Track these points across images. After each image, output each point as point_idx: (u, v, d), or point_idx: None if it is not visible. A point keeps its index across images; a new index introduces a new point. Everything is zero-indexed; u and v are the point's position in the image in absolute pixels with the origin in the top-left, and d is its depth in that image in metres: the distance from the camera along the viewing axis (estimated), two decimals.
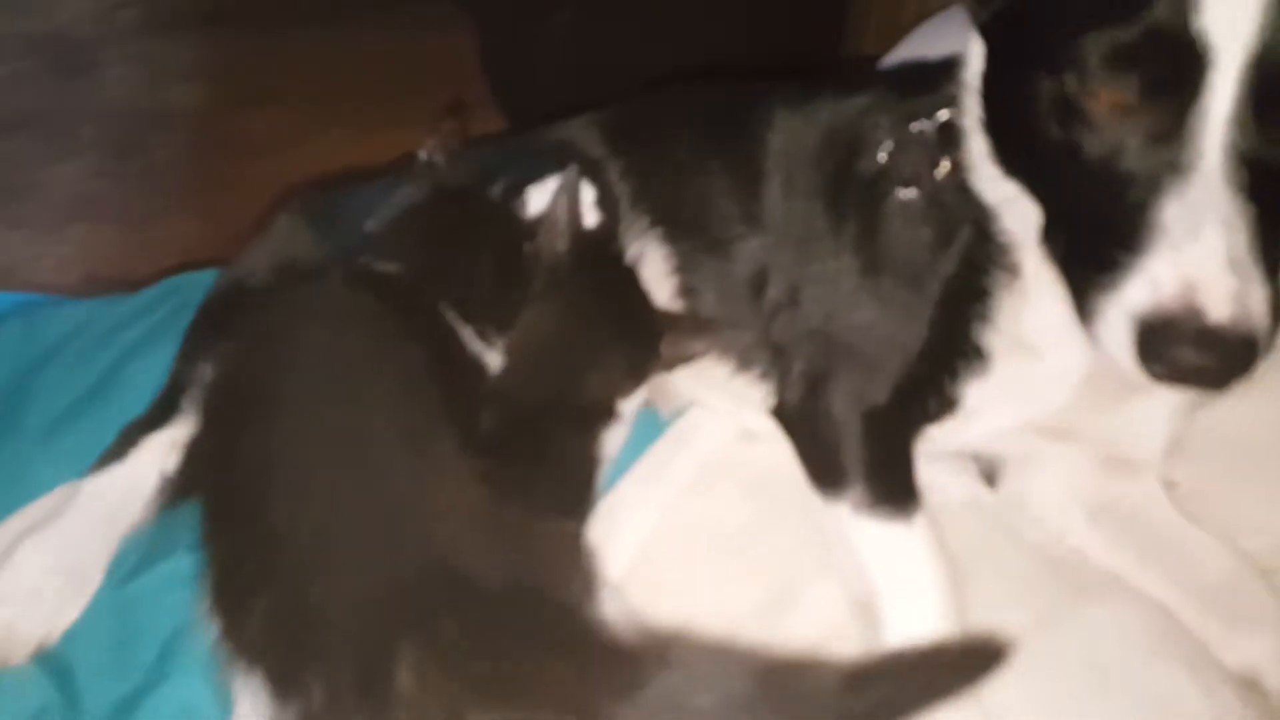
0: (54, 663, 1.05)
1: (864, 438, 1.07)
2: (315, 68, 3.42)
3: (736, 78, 1.38)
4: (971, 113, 1.03)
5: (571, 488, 1.08)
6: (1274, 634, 1.02)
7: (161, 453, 1.17)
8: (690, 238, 1.25)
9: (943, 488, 1.13)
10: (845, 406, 1.08)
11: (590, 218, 1.22)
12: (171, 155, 3.02)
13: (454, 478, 0.93)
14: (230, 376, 0.97)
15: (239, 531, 0.90)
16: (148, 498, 1.16)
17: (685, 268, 1.23)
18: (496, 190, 1.24)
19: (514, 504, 0.94)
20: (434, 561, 0.84)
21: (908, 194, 1.08)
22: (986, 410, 1.10)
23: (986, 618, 1.01)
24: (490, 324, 1.13)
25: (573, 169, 1.19)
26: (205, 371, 1.11)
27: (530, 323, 1.14)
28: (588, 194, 1.22)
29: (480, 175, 1.26)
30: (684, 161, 1.27)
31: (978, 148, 1.02)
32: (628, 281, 1.21)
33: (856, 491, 1.05)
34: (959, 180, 1.05)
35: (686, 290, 1.24)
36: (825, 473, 1.09)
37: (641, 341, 1.17)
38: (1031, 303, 1.04)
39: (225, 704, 0.98)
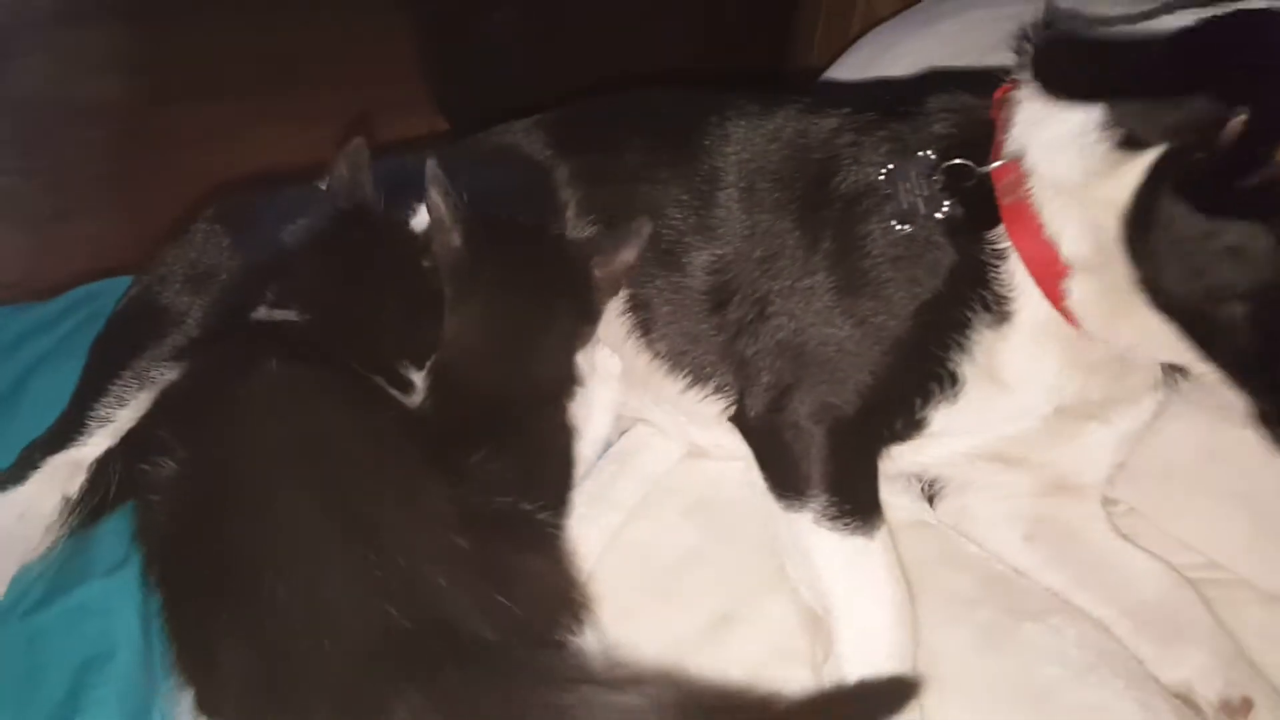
0: None
1: (830, 449, 1.05)
2: (241, 62, 3.35)
3: (685, 85, 1.36)
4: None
5: (553, 467, 1.09)
6: (1207, 650, 1.03)
7: (63, 476, 1.15)
8: None
9: (886, 507, 1.12)
10: (812, 417, 1.06)
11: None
12: (85, 152, 2.90)
13: (442, 528, 0.93)
14: (194, 471, 0.95)
15: (213, 601, 0.89)
16: (48, 522, 1.14)
17: (635, 280, 1.20)
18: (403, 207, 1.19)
19: (502, 544, 0.95)
20: (430, 613, 0.86)
21: (903, 229, 1.05)
22: (948, 435, 1.09)
23: (928, 635, 1.02)
24: (407, 357, 1.11)
25: (431, 161, 1.13)
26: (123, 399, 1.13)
27: (458, 330, 1.11)
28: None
29: (396, 187, 1.20)
30: (634, 169, 1.24)
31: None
32: (536, 240, 1.17)
33: (820, 502, 1.04)
34: (959, 223, 1.03)
35: (637, 303, 1.21)
36: (788, 482, 1.07)
37: (574, 289, 1.15)
38: (1012, 345, 1.03)
39: None
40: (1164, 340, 0.94)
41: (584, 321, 1.15)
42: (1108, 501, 1.17)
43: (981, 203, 1.02)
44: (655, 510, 1.20)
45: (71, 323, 1.40)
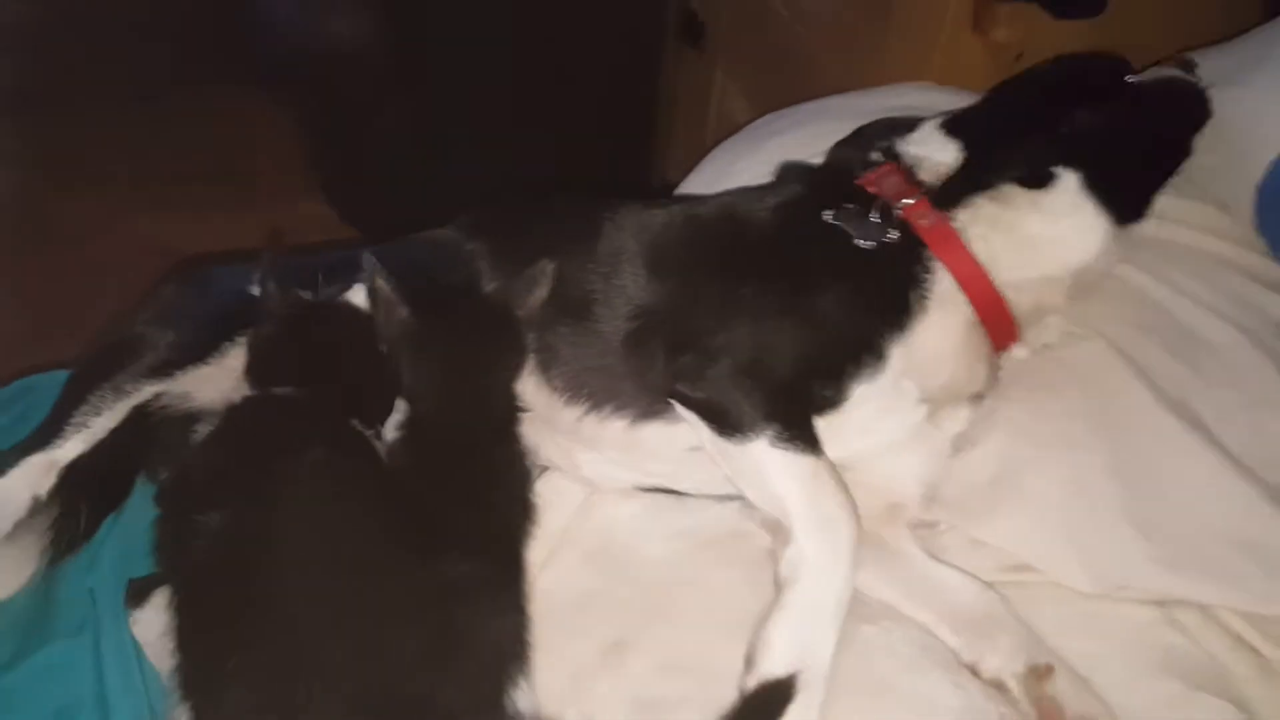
0: None
1: (769, 392, 1.25)
2: (132, 152, 3.41)
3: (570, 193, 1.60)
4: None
5: (518, 497, 1.31)
6: (1011, 636, 1.25)
7: (37, 474, 1.29)
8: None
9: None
10: (750, 374, 1.26)
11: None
12: None
13: (420, 603, 1.14)
14: (235, 529, 1.15)
15: (229, 636, 1.08)
16: (20, 513, 1.27)
17: (542, 327, 1.40)
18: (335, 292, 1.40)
19: (467, 609, 1.16)
20: (403, 676, 1.08)
21: (867, 244, 1.34)
22: (844, 436, 1.32)
23: None
24: (373, 417, 1.31)
25: (368, 256, 1.34)
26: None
27: (420, 386, 1.32)
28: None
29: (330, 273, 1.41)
30: (540, 244, 1.45)
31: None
32: (466, 298, 1.40)
33: (772, 429, 1.23)
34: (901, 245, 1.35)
35: (539, 347, 1.40)
36: (736, 424, 1.25)
37: (505, 330, 1.36)
38: (928, 327, 1.33)
39: None
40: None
41: (517, 355, 1.37)
42: (927, 524, 1.38)
43: (906, 229, 1.35)
44: (558, 559, 1.38)
45: (19, 409, 1.51)
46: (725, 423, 1.26)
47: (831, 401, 1.31)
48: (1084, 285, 1.45)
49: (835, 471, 1.24)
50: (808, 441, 1.24)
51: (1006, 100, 1.51)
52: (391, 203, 3.04)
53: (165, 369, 1.33)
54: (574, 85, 3.06)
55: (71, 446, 1.30)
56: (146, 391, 1.32)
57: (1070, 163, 1.38)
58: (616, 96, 3.23)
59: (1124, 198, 1.41)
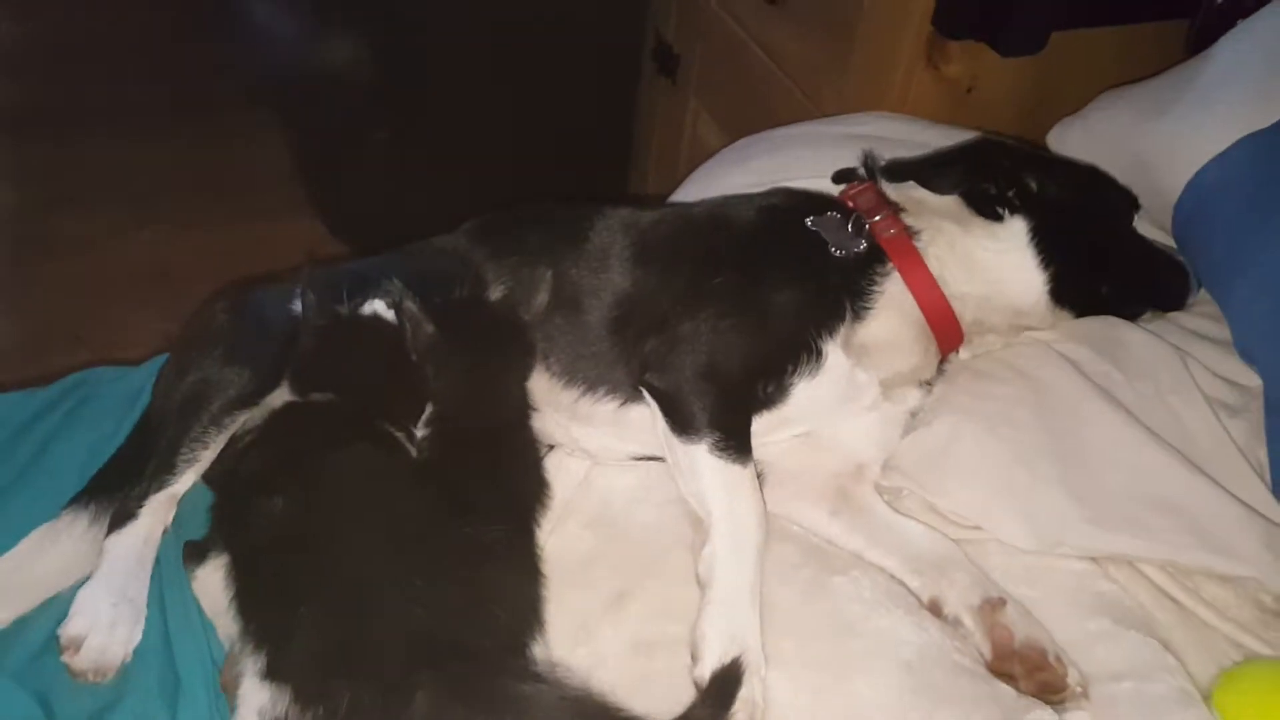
0: (34, 687, 1.27)
1: (719, 402, 1.44)
2: (124, 170, 3.49)
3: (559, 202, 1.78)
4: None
5: (534, 476, 1.49)
6: (966, 575, 1.41)
7: (164, 510, 1.44)
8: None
9: None
10: (707, 378, 1.45)
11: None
12: None
13: (455, 560, 1.30)
14: (295, 510, 1.32)
15: (294, 597, 1.23)
16: (156, 546, 1.42)
17: (541, 320, 1.57)
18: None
19: (496, 567, 1.32)
20: (445, 622, 1.22)
21: (839, 253, 1.55)
22: (795, 420, 1.52)
23: (767, 591, 1.37)
24: (404, 418, 1.48)
25: (394, 277, 1.53)
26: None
27: (446, 391, 1.49)
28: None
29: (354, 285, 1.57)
30: (535, 247, 1.65)
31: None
32: (480, 308, 1.56)
33: (713, 438, 1.43)
34: (867, 254, 1.56)
35: (544, 337, 1.57)
36: (688, 425, 1.44)
37: (515, 335, 1.54)
38: (880, 323, 1.54)
39: (174, 713, 1.24)
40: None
41: (528, 357, 1.55)
42: (891, 491, 1.56)
43: (873, 241, 1.57)
44: (562, 527, 1.52)
45: (70, 403, 1.66)
46: (677, 420, 1.46)
47: (773, 400, 1.51)
48: (1020, 326, 1.68)
49: (755, 481, 1.44)
50: (741, 451, 1.44)
51: (978, 147, 1.76)
52: (377, 218, 3.19)
53: (251, 399, 1.48)
54: (553, 112, 3.23)
55: (186, 479, 1.45)
56: (240, 420, 1.48)
57: (1023, 212, 1.62)
58: (594, 123, 3.42)
59: (1062, 267, 1.63)
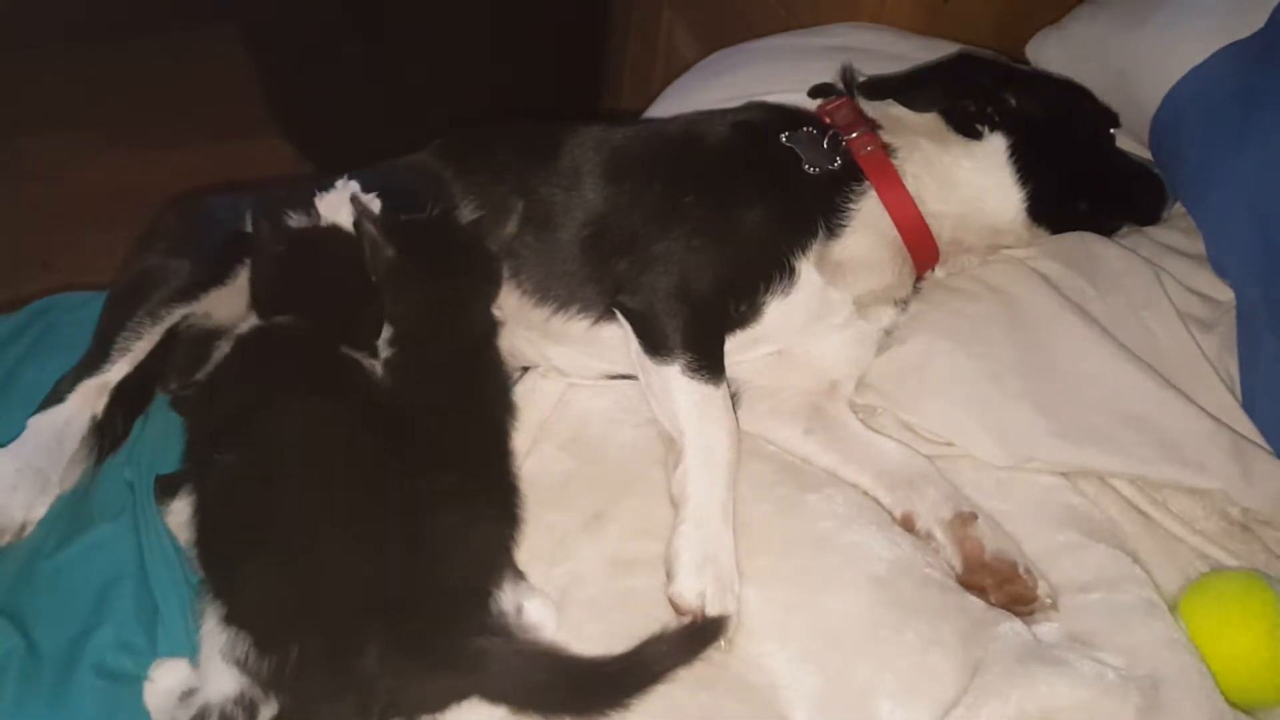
0: (13, 616, 1.28)
1: (692, 321, 1.44)
2: (88, 90, 3.47)
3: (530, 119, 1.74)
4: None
5: (499, 397, 1.47)
6: (937, 490, 1.43)
7: (93, 396, 1.45)
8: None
9: None
10: (679, 298, 1.45)
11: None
12: None
13: (407, 510, 1.28)
14: (246, 461, 1.29)
15: (249, 547, 1.23)
16: (82, 434, 1.44)
17: (512, 237, 1.56)
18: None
19: (449, 518, 1.29)
20: (397, 575, 1.22)
21: (812, 170, 1.53)
22: (768, 339, 1.52)
23: (742, 510, 1.39)
24: (364, 340, 1.45)
25: (347, 183, 1.49)
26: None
27: (406, 314, 1.45)
28: (367, 197, 1.50)
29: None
30: (505, 163, 1.62)
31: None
32: (446, 233, 1.53)
33: (686, 359, 1.42)
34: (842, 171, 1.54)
35: (508, 255, 1.56)
36: (661, 346, 1.44)
37: (481, 263, 1.51)
38: (856, 240, 1.53)
39: (153, 638, 1.25)
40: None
41: (493, 285, 1.53)
42: (866, 409, 1.57)
43: (849, 158, 1.55)
44: (539, 449, 1.53)
45: (38, 329, 1.64)
46: (650, 341, 1.45)
47: (746, 318, 1.50)
48: (997, 244, 1.67)
49: (727, 401, 1.44)
50: (714, 372, 1.44)
51: (957, 64, 1.73)
52: (348, 135, 3.13)
53: (190, 292, 1.48)
54: (525, 26, 3.16)
55: (119, 369, 1.46)
56: (177, 314, 1.48)
57: (1002, 129, 1.60)
58: (567, 37, 3.33)
59: (1040, 184, 1.61)
